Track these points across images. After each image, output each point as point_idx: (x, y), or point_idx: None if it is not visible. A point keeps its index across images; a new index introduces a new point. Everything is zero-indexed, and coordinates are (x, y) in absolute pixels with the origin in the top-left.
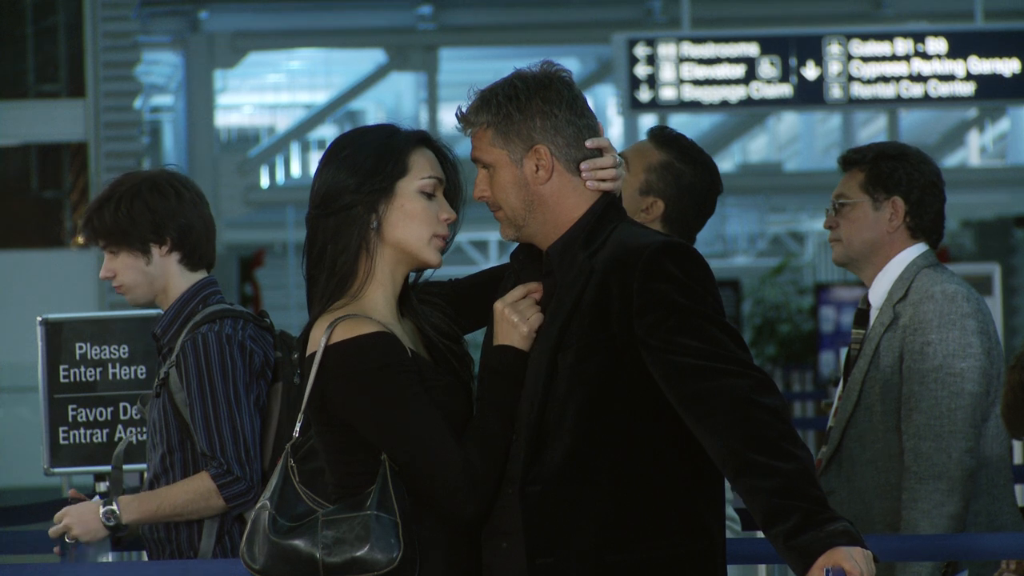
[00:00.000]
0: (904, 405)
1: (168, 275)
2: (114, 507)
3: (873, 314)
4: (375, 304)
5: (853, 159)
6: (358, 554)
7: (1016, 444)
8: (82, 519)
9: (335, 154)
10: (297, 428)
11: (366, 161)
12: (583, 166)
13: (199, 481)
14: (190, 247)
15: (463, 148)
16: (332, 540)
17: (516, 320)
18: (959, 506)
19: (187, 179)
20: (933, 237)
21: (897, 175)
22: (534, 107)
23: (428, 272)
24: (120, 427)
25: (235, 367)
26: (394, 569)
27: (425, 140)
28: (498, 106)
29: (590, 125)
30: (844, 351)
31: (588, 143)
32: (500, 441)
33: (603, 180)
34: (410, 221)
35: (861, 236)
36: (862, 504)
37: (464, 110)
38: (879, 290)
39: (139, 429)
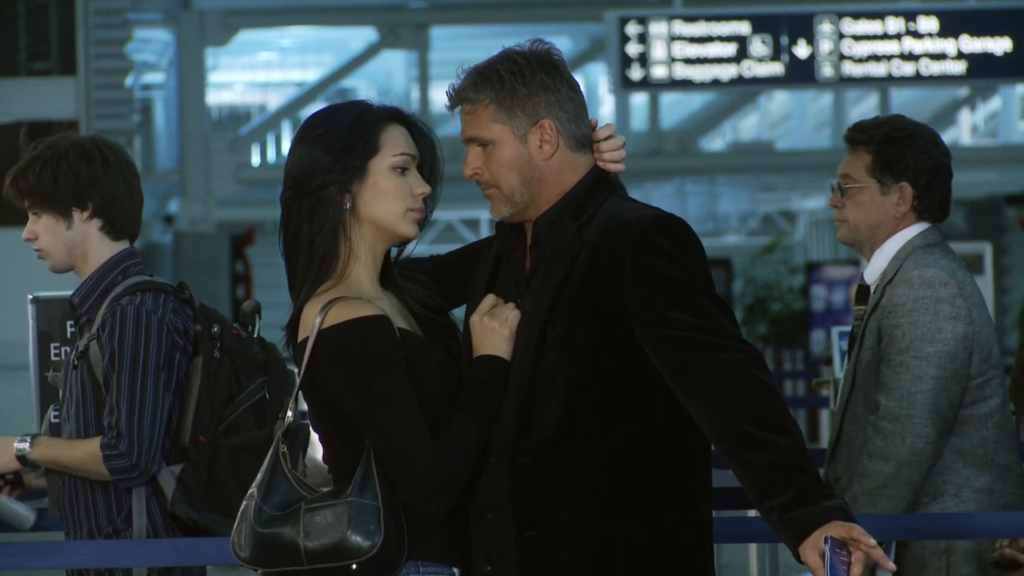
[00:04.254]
0: (876, 388)
1: (88, 242)
2: (28, 441)
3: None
4: (361, 283)
5: (859, 139)
6: (338, 540)
7: None
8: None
9: (307, 133)
10: (289, 414)
11: (338, 140)
12: (601, 146)
13: (92, 444)
14: (112, 216)
15: (455, 126)
16: (314, 527)
17: (496, 325)
18: (903, 489)
19: (119, 148)
20: (938, 215)
21: (905, 160)
22: (538, 82)
23: (411, 247)
24: None
25: (148, 344)
26: (376, 555)
27: (397, 116)
28: (501, 81)
29: (584, 103)
30: (835, 330)
31: (598, 132)
32: (474, 447)
33: (615, 161)
34: (383, 199)
35: (868, 220)
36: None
37: (457, 88)
38: (874, 269)
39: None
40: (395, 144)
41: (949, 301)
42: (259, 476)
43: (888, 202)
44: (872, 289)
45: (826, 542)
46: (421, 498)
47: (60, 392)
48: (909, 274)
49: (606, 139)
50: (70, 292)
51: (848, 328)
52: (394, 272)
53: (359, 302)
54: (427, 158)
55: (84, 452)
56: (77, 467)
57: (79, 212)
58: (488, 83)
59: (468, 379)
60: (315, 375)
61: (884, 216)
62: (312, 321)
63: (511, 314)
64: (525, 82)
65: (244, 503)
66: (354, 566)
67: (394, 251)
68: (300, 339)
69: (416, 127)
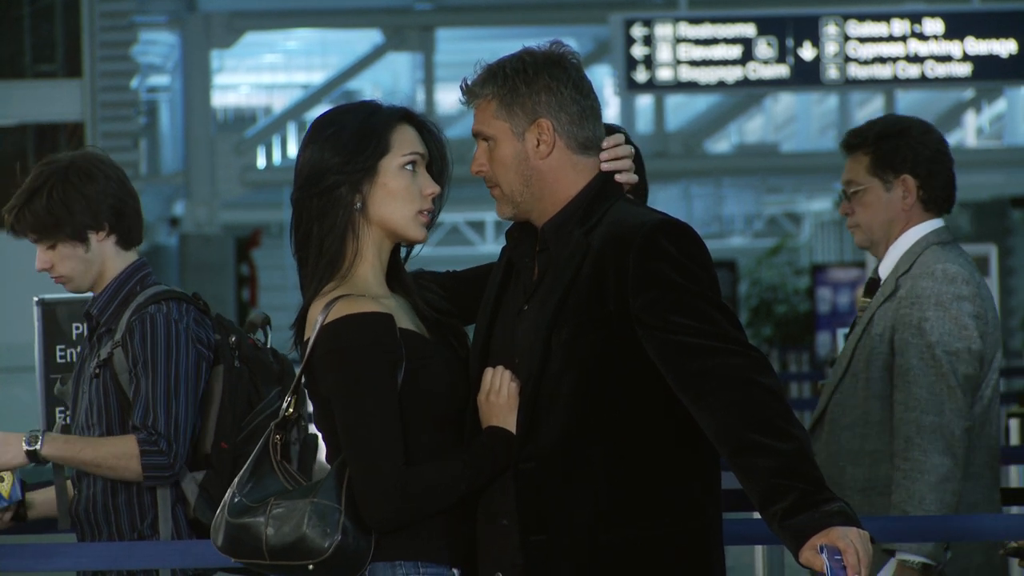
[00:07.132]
0: (900, 378)
1: (105, 258)
2: (38, 435)
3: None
4: (366, 281)
5: (855, 143)
6: (296, 538)
7: (1013, 424)
8: (4, 441)
9: (318, 133)
10: (285, 405)
11: (349, 141)
12: (605, 145)
13: (124, 441)
14: (125, 228)
15: (460, 128)
16: (277, 522)
17: (500, 402)
18: (960, 483)
19: (107, 158)
20: (945, 206)
21: (902, 153)
22: (541, 82)
23: (417, 249)
24: None
25: (179, 351)
26: (331, 558)
27: (407, 116)
28: (504, 78)
29: (594, 107)
30: (841, 331)
31: (604, 145)
32: (454, 486)
33: (620, 167)
34: (394, 199)
35: (878, 219)
36: (835, 468)
37: (469, 82)
38: (888, 263)
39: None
40: (405, 143)
41: (970, 299)
42: (244, 465)
43: (894, 197)
44: (882, 282)
45: (822, 551)
46: (367, 501)
47: (69, 403)
48: (932, 267)
49: (613, 147)
50: (74, 295)
51: None
52: (405, 275)
53: (363, 299)
54: (437, 158)
55: (112, 448)
56: (100, 463)
57: (95, 233)
58: (493, 79)
59: (475, 444)
60: (313, 369)
61: (893, 212)
62: (315, 319)
63: (510, 386)
64: (527, 81)
65: (227, 493)
66: (310, 567)
67: (403, 251)
68: (305, 338)
69: (425, 127)
